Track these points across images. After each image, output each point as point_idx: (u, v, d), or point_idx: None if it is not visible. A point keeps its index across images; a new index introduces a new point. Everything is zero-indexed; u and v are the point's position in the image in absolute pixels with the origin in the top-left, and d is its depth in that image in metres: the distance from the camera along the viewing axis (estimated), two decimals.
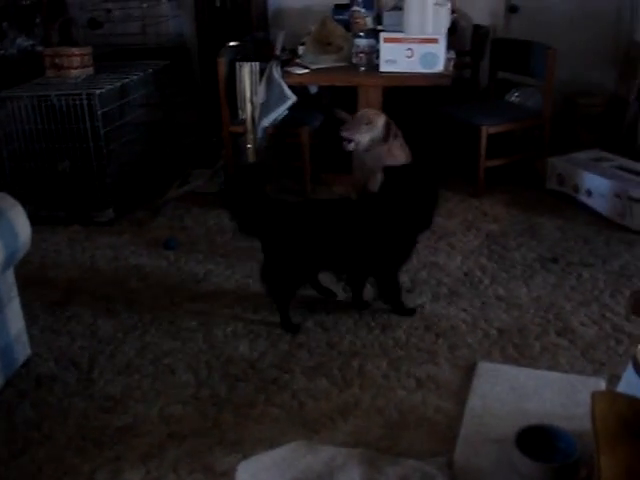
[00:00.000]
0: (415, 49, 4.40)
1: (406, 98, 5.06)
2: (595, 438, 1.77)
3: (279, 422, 2.57)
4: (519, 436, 2.32)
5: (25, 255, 2.80)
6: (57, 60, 4.64)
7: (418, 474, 2.19)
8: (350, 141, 3.32)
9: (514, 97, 5.32)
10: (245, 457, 2.34)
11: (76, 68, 4.66)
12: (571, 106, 5.70)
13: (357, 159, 3.47)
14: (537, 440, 2.33)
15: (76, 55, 4.69)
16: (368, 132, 3.30)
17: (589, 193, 4.28)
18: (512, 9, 5.86)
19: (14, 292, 2.83)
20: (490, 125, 4.54)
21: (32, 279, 3.68)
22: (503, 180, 4.83)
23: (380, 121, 3.31)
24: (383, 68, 4.50)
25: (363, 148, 3.35)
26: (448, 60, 4.59)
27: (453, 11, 5.11)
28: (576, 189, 4.38)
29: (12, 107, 4.31)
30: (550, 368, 2.83)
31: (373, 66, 4.60)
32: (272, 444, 2.41)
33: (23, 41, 5.50)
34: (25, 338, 2.92)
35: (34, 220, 2.85)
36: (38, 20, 5.62)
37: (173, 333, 3.16)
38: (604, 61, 5.78)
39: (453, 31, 5.18)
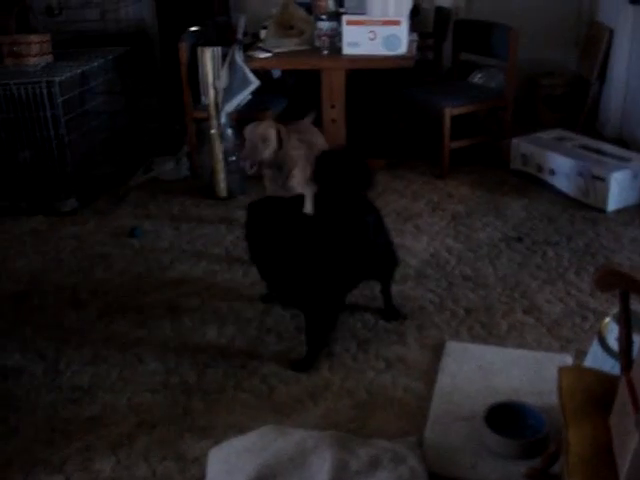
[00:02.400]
0: (377, 31, 4.39)
1: (369, 80, 5.07)
2: (562, 412, 1.79)
3: (249, 407, 2.57)
4: (488, 413, 2.35)
5: None
6: (15, 48, 4.56)
7: (389, 454, 2.20)
8: (252, 165, 3.25)
9: (477, 78, 5.35)
10: (216, 443, 2.34)
11: (35, 56, 4.59)
12: (533, 86, 5.74)
13: (266, 174, 3.42)
14: (506, 417, 2.36)
15: (34, 43, 4.62)
16: (266, 149, 3.25)
17: (552, 172, 4.32)
18: None
19: None
20: (453, 106, 4.55)
21: None
22: (467, 161, 4.85)
23: (272, 133, 3.25)
24: (346, 51, 4.48)
25: (267, 165, 3.31)
26: (411, 42, 4.59)
27: None
28: (540, 169, 4.42)
29: None
30: (517, 346, 2.86)
31: (336, 49, 4.58)
32: (243, 429, 2.41)
33: None
34: None
35: None
36: None
37: (140, 322, 3.13)
38: (566, 41, 5.83)
39: (415, 13, 5.19)
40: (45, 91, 4.11)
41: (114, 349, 2.95)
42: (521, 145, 4.56)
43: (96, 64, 4.69)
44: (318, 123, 4.37)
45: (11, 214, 4.31)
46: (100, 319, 3.18)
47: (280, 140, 3.30)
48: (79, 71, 4.48)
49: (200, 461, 2.29)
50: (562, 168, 4.25)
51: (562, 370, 1.94)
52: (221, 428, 2.45)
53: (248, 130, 3.29)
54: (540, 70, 5.75)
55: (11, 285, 3.51)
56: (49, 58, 4.67)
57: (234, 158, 4.31)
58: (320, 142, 3.67)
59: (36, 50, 4.61)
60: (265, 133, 3.26)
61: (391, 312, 3.10)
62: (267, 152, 3.27)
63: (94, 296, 3.37)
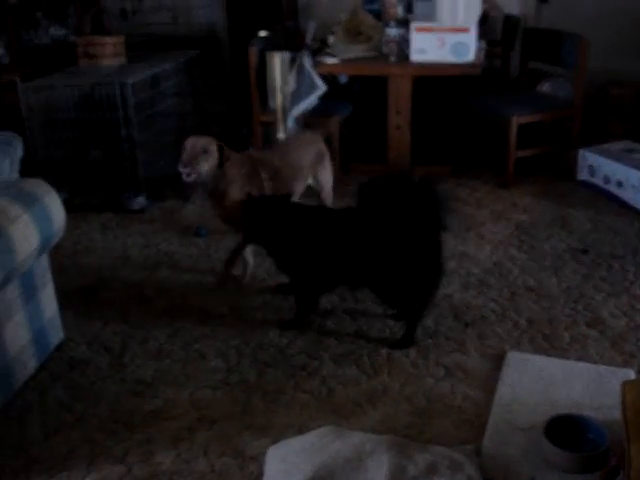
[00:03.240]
0: (446, 38, 4.39)
1: (436, 87, 5.06)
2: (625, 427, 1.77)
3: (308, 408, 2.59)
4: (548, 425, 2.33)
5: (59, 241, 2.84)
6: (90, 49, 4.68)
7: (446, 461, 2.20)
8: (189, 174, 3.22)
9: (545, 87, 5.29)
10: (274, 441, 2.37)
11: (108, 57, 4.71)
12: (602, 96, 5.65)
13: (208, 191, 3.34)
14: (566, 429, 2.33)
15: (109, 44, 4.74)
16: (206, 161, 3.22)
17: (620, 184, 4.25)
18: None
19: (48, 277, 2.87)
20: (520, 115, 4.52)
21: (65, 265, 3.75)
22: (533, 171, 4.81)
23: (214, 148, 3.23)
24: (413, 57, 4.50)
25: (204, 178, 3.26)
26: (479, 50, 4.58)
27: (484, 1, 5.08)
28: (607, 180, 4.35)
29: (46, 96, 4.36)
30: (579, 359, 2.82)
31: (403, 56, 4.60)
32: (301, 429, 2.44)
33: (56, 31, 5.57)
34: (58, 322, 2.97)
35: (68, 207, 2.89)
36: (71, 10, 5.68)
37: (203, 319, 3.19)
38: (636, 51, 5.72)
39: (484, 21, 5.17)
40: (118, 92, 4.22)
41: (177, 345, 3.01)
42: (588, 156, 4.50)
43: (167, 67, 4.79)
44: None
45: (82, 210, 4.44)
46: (164, 316, 3.25)
47: (221, 157, 3.23)
48: (151, 73, 4.59)
49: (258, 459, 2.32)
50: (630, 180, 4.17)
51: (626, 384, 1.91)
52: (280, 427, 2.49)
53: (190, 140, 3.24)
54: (609, 80, 5.66)
55: (80, 279, 3.62)
56: (122, 60, 4.79)
57: None
58: (305, 162, 3.57)
59: (110, 52, 4.73)
60: (207, 146, 3.21)
61: (405, 341, 3.01)
62: (205, 164, 3.19)
63: (159, 293, 3.45)
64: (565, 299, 3.27)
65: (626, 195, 4.22)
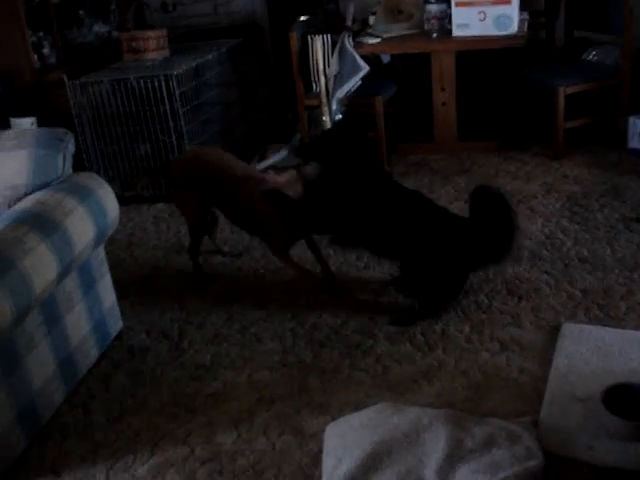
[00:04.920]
0: (487, 11, 4.35)
1: (480, 62, 5.01)
2: None
3: (364, 385, 2.62)
4: (606, 394, 2.31)
5: (114, 233, 2.91)
6: (134, 44, 4.76)
7: (504, 433, 2.21)
8: None
9: (591, 56, 5.19)
10: (333, 419, 2.41)
11: (152, 51, 4.78)
12: None
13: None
14: (624, 398, 2.31)
15: (152, 38, 4.80)
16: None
17: None
18: None
19: (105, 268, 2.95)
20: (567, 85, 4.45)
21: (121, 257, 3.84)
22: (583, 141, 4.73)
23: None
24: (456, 33, 4.46)
25: None
26: (522, 21, 4.52)
27: None
28: None
29: (93, 92, 4.45)
30: (636, 328, 2.79)
31: (445, 31, 4.57)
32: (358, 406, 2.46)
33: (99, 28, 5.65)
34: (117, 312, 3.04)
35: (120, 201, 2.96)
36: (113, 6, 5.76)
37: (258, 303, 3.24)
38: None
39: None
40: (163, 84, 4.28)
41: (234, 329, 3.07)
42: (639, 123, 4.41)
43: (210, 57, 4.84)
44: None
45: (134, 202, 4.53)
46: (220, 301, 3.30)
47: None
48: (194, 64, 4.64)
49: (317, 436, 2.36)
50: None
51: None
52: (337, 405, 2.52)
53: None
54: None
55: (136, 270, 3.70)
56: (166, 53, 4.85)
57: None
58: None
59: (153, 45, 4.80)
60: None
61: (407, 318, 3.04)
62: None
63: (214, 280, 3.51)
64: (620, 269, 3.23)
65: None
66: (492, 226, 2.89)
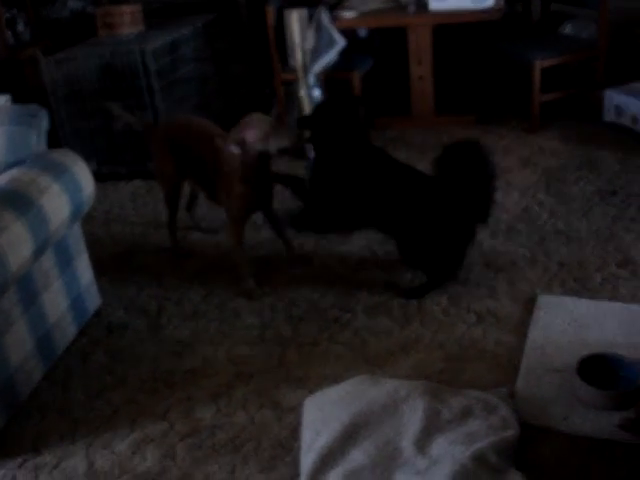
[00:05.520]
0: None
1: (457, 35, 5.00)
2: None
3: (342, 359, 2.64)
4: (581, 365, 2.34)
5: (90, 210, 2.90)
6: (108, 19, 4.70)
7: (481, 404, 2.24)
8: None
9: (568, 29, 5.20)
10: (311, 392, 2.43)
11: (127, 26, 4.72)
12: (627, 36, 5.53)
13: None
14: (599, 368, 2.35)
15: (127, 13, 4.74)
16: None
17: None
18: None
19: (82, 246, 2.93)
20: (543, 59, 4.45)
21: (99, 234, 3.82)
22: (559, 114, 4.75)
23: None
24: (432, 6, 4.45)
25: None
26: None
27: None
28: (635, 121, 4.29)
29: (68, 68, 4.40)
30: (611, 299, 2.83)
31: (422, 5, 4.55)
32: (336, 380, 2.48)
33: (74, 3, 5.57)
34: (95, 289, 3.04)
35: (97, 177, 2.94)
36: None
37: (236, 279, 3.23)
38: None
39: None
40: (139, 60, 4.23)
41: (212, 305, 3.07)
42: (615, 96, 4.43)
43: (186, 32, 4.79)
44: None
45: (111, 179, 4.50)
46: (198, 277, 3.30)
47: None
48: (170, 39, 4.59)
49: (296, 410, 2.38)
50: None
51: None
52: (315, 379, 2.54)
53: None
54: (633, 19, 5.53)
55: (114, 247, 3.69)
56: (141, 28, 4.79)
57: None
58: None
59: (128, 20, 4.74)
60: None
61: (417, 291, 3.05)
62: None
63: (191, 256, 3.50)
64: (595, 241, 3.26)
65: None
66: (468, 181, 2.89)
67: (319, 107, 3.38)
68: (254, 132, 2.90)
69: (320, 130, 3.14)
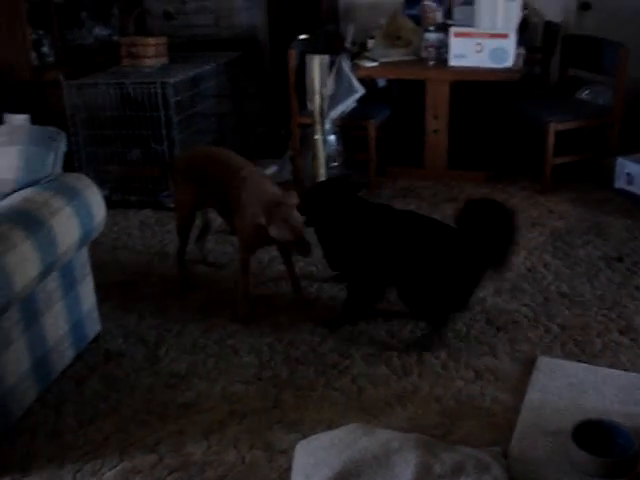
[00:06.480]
0: (485, 44, 4.40)
1: (474, 92, 5.06)
2: None
3: (338, 405, 2.62)
4: (576, 429, 2.32)
5: (98, 236, 2.91)
6: (133, 49, 4.77)
7: (473, 462, 2.22)
8: None
9: (584, 94, 5.26)
10: (304, 436, 2.40)
11: (151, 57, 4.79)
12: None
13: None
14: (594, 435, 2.33)
15: (151, 45, 4.82)
16: None
17: None
18: (584, 6, 5.78)
19: (87, 270, 2.94)
20: (558, 122, 4.50)
21: (104, 260, 3.83)
22: (570, 178, 4.78)
23: None
24: (452, 62, 4.51)
25: None
26: (518, 56, 4.58)
27: (524, 7, 5.09)
28: None
29: (88, 94, 4.46)
30: (610, 365, 2.82)
31: (442, 60, 4.62)
32: (330, 425, 2.47)
33: (100, 30, 5.66)
34: (96, 315, 3.04)
35: (107, 204, 2.96)
36: (115, 10, 5.78)
37: (234, 304, 3.24)
38: None
39: (524, 27, 5.16)
40: (160, 92, 4.30)
41: (212, 340, 3.07)
42: (627, 164, 4.46)
43: (208, 68, 4.87)
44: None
45: (121, 207, 4.53)
46: (200, 311, 3.31)
47: None
48: (192, 74, 4.67)
49: (288, 453, 2.36)
50: None
51: None
52: (310, 423, 2.52)
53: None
54: None
55: (118, 274, 3.69)
56: (164, 60, 4.87)
57: (336, 164, 4.39)
58: None
59: (152, 52, 4.82)
60: None
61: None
62: None
63: (196, 289, 3.51)
64: (598, 306, 3.26)
65: None
66: (488, 232, 2.88)
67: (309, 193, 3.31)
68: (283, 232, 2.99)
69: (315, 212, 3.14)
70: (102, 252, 3.91)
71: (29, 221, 2.42)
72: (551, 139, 4.48)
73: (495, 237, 2.87)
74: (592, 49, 4.86)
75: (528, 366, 2.82)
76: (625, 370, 2.78)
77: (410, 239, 2.96)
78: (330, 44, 5.11)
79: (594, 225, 4.11)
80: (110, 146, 4.54)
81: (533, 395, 2.63)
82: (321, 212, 3.12)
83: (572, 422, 2.36)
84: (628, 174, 4.44)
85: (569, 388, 2.67)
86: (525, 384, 2.70)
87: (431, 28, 4.74)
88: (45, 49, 4.98)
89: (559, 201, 4.48)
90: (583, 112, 4.75)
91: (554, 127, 4.47)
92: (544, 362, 2.83)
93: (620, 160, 4.51)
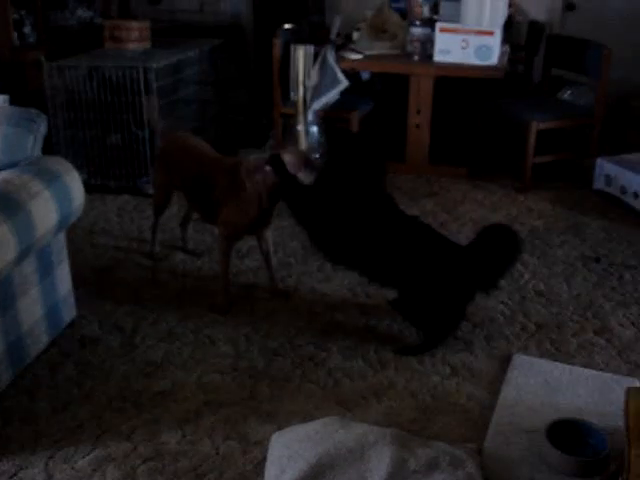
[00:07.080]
0: (470, 40, 4.41)
1: (458, 88, 5.07)
2: (627, 432, 1.79)
3: (314, 397, 2.62)
4: (550, 428, 2.34)
5: (76, 221, 2.88)
6: (116, 33, 4.72)
7: (448, 457, 2.22)
8: None
9: (566, 94, 5.29)
10: (279, 428, 2.40)
11: (134, 41, 4.74)
12: (623, 107, 5.64)
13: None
14: (568, 434, 2.35)
15: (134, 29, 4.77)
16: None
17: (636, 195, 4.25)
18: (569, 7, 5.82)
19: (64, 255, 2.91)
20: (540, 121, 4.52)
21: (82, 245, 3.79)
22: (550, 177, 4.81)
23: None
24: (437, 58, 4.52)
25: None
26: (502, 53, 4.59)
27: (510, 5, 5.09)
28: (623, 191, 4.35)
29: (69, 76, 4.40)
30: (585, 365, 2.84)
31: (427, 55, 4.62)
32: (306, 418, 2.46)
33: (83, 12, 5.60)
34: (72, 300, 3.00)
35: (86, 188, 2.92)
36: None
37: (213, 294, 3.23)
38: None
39: (509, 25, 5.17)
40: (142, 77, 4.25)
41: (188, 329, 3.05)
42: (606, 165, 4.49)
43: (191, 54, 4.83)
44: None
45: (100, 192, 4.49)
46: (177, 299, 3.28)
47: None
48: (175, 60, 4.62)
49: (262, 444, 2.36)
50: None
51: (631, 391, 1.93)
52: (285, 414, 2.52)
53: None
54: (631, 91, 5.65)
55: (95, 260, 3.66)
56: (147, 45, 4.82)
57: (317, 155, 4.38)
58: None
59: (135, 36, 4.76)
60: None
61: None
62: None
63: (173, 277, 3.49)
64: (574, 306, 3.28)
65: None
66: (495, 254, 2.91)
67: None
68: (291, 158, 3.00)
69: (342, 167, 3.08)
70: (79, 237, 3.87)
71: (7, 204, 2.38)
72: (532, 138, 4.50)
73: (497, 261, 2.90)
74: (575, 50, 4.88)
75: (504, 363, 2.83)
76: (600, 370, 2.81)
77: (414, 251, 2.92)
78: (315, 35, 5.11)
79: (572, 225, 4.14)
80: (90, 130, 4.48)
81: (508, 392, 2.65)
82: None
83: (546, 420, 2.39)
84: (607, 175, 4.47)
85: (544, 387, 2.69)
86: (500, 381, 2.71)
87: (417, 22, 4.74)
88: (27, 29, 4.92)
89: (538, 200, 4.51)
90: (565, 112, 4.78)
91: (536, 126, 4.49)
92: (520, 360, 2.85)
93: (600, 161, 4.55)
